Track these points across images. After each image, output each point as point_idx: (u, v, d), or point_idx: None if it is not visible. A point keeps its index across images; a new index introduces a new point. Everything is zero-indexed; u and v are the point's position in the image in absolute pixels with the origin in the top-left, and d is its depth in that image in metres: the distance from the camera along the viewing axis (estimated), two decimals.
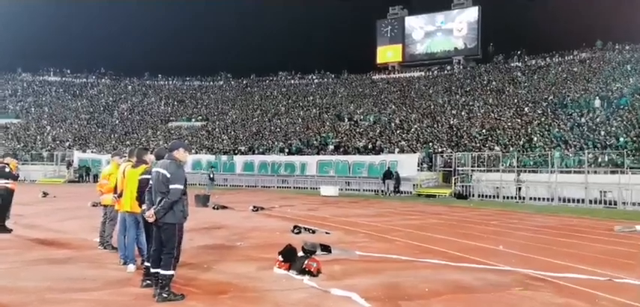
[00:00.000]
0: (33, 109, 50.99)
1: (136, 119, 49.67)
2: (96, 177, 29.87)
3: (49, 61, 61.43)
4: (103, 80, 59.01)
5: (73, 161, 36.13)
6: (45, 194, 20.58)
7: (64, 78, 58.46)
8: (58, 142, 42.90)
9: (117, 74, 59.97)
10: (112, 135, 44.83)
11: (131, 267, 6.65)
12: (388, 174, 26.43)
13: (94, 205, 14.51)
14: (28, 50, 67.86)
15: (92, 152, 39.07)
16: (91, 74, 59.67)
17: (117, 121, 49.02)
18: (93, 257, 7.62)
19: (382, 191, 26.38)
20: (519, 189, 23.00)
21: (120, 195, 6.92)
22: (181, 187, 5.39)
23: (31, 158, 38.22)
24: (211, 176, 28.29)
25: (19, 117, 48.86)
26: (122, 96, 55.85)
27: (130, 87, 58.02)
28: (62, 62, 61.50)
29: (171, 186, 5.29)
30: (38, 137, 44.52)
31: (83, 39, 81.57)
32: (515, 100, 38.46)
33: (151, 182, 5.63)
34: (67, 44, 75.87)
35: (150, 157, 6.57)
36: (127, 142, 40.82)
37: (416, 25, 55.78)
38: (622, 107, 30.96)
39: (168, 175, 5.31)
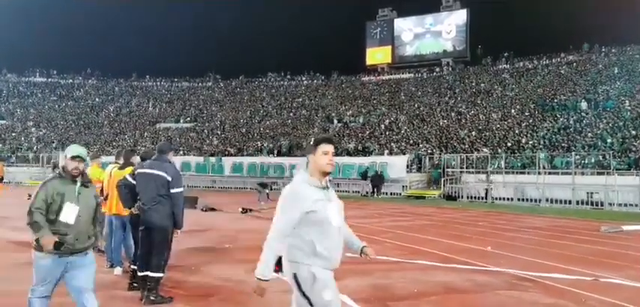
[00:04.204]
0: (18, 111, 50.40)
1: (123, 121, 49.28)
2: None
3: (35, 62, 60.82)
4: (90, 81, 58.47)
5: (58, 163, 35.73)
6: (30, 196, 20.31)
7: (50, 79, 57.90)
8: (43, 144, 42.42)
9: (104, 75, 59.49)
10: (100, 137, 44.42)
11: (118, 270, 6.58)
12: (364, 175, 26.85)
13: None
14: (13, 51, 67.07)
15: None
16: (78, 75, 59.11)
17: (104, 123, 48.59)
18: None
19: (370, 192, 26.48)
20: (487, 190, 23.40)
21: (106, 198, 6.86)
22: (183, 190, 5.38)
23: (16, 159, 37.76)
24: (265, 183, 23.15)
25: (4, 118, 48.27)
26: (109, 97, 55.40)
27: (117, 88, 57.56)
28: (48, 63, 60.89)
29: (173, 190, 5.25)
30: (23, 138, 44.01)
31: (70, 40, 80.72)
32: (504, 102, 38.78)
33: (130, 180, 5.59)
34: (53, 45, 75.06)
35: (136, 159, 6.52)
36: (113, 144, 40.48)
37: (405, 26, 56.04)
38: (608, 109, 31.35)
39: (169, 178, 5.25)
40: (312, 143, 3.12)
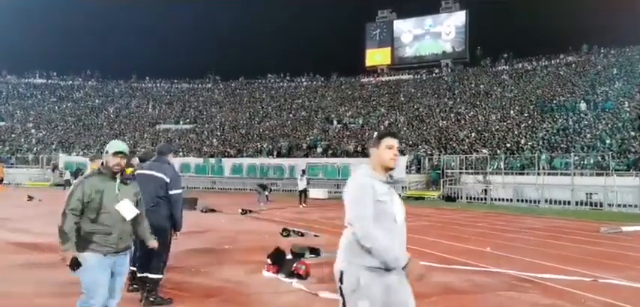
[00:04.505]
0: (18, 112, 50.38)
1: (123, 122, 49.28)
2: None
3: (35, 64, 60.87)
4: (90, 82, 58.51)
5: (58, 164, 35.73)
6: (30, 197, 20.30)
7: (49, 81, 57.93)
8: (43, 145, 42.42)
9: (104, 76, 59.56)
10: (99, 139, 44.39)
11: None
12: None
13: None
14: (13, 52, 67.09)
15: (77, 155, 38.62)
16: (78, 76, 59.13)
17: (104, 124, 48.59)
18: None
19: None
20: (485, 190, 23.49)
21: None
22: (181, 192, 5.38)
23: (16, 161, 37.75)
24: (264, 185, 22.94)
25: (4, 120, 48.27)
26: (109, 98, 55.40)
27: (116, 89, 57.56)
28: (48, 64, 60.94)
29: (172, 192, 5.25)
30: (23, 140, 44.00)
31: (70, 41, 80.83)
32: (503, 103, 38.81)
33: None
34: (53, 46, 75.12)
35: (136, 161, 6.52)
36: None
37: (404, 28, 56.06)
38: (607, 110, 31.38)
39: (168, 180, 5.25)
40: (375, 136, 2.95)
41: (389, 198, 2.82)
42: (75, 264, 3.51)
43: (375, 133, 2.99)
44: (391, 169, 2.92)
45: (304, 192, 20.60)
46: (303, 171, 22.10)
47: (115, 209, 3.63)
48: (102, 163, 3.77)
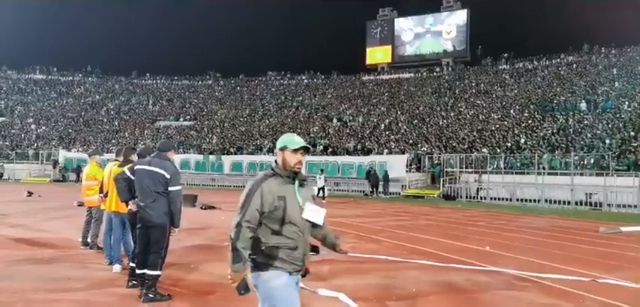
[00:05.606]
0: (18, 107, 50.35)
1: (123, 118, 49.24)
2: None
3: (35, 59, 60.92)
4: (90, 79, 58.47)
5: (58, 160, 35.72)
6: (30, 193, 20.30)
7: (50, 77, 57.88)
8: (43, 141, 42.40)
9: (104, 73, 59.54)
10: (99, 135, 44.37)
11: (117, 267, 6.58)
12: (366, 175, 27.11)
13: (79, 205, 14.33)
14: (13, 47, 67.05)
15: (77, 151, 38.62)
16: (78, 72, 59.10)
17: (104, 120, 48.56)
18: (78, 258, 7.53)
19: (369, 191, 26.52)
20: (478, 189, 23.54)
21: (106, 195, 6.85)
22: (180, 188, 5.36)
23: (16, 156, 37.74)
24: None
25: (4, 115, 48.24)
26: (109, 95, 55.36)
27: (117, 86, 57.52)
28: (48, 60, 61.01)
29: (172, 188, 5.22)
30: (23, 135, 43.98)
31: (70, 37, 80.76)
32: (503, 102, 38.80)
33: (128, 174, 5.60)
34: (53, 42, 75.07)
35: (136, 157, 6.50)
36: (113, 141, 40.49)
37: (405, 26, 56.02)
38: (608, 110, 31.37)
39: (168, 176, 5.22)
40: None
41: None
42: (243, 288, 2.91)
43: None
44: None
45: (322, 189, 22.38)
46: (322, 171, 24.18)
47: (301, 218, 2.91)
48: (277, 163, 3.02)
